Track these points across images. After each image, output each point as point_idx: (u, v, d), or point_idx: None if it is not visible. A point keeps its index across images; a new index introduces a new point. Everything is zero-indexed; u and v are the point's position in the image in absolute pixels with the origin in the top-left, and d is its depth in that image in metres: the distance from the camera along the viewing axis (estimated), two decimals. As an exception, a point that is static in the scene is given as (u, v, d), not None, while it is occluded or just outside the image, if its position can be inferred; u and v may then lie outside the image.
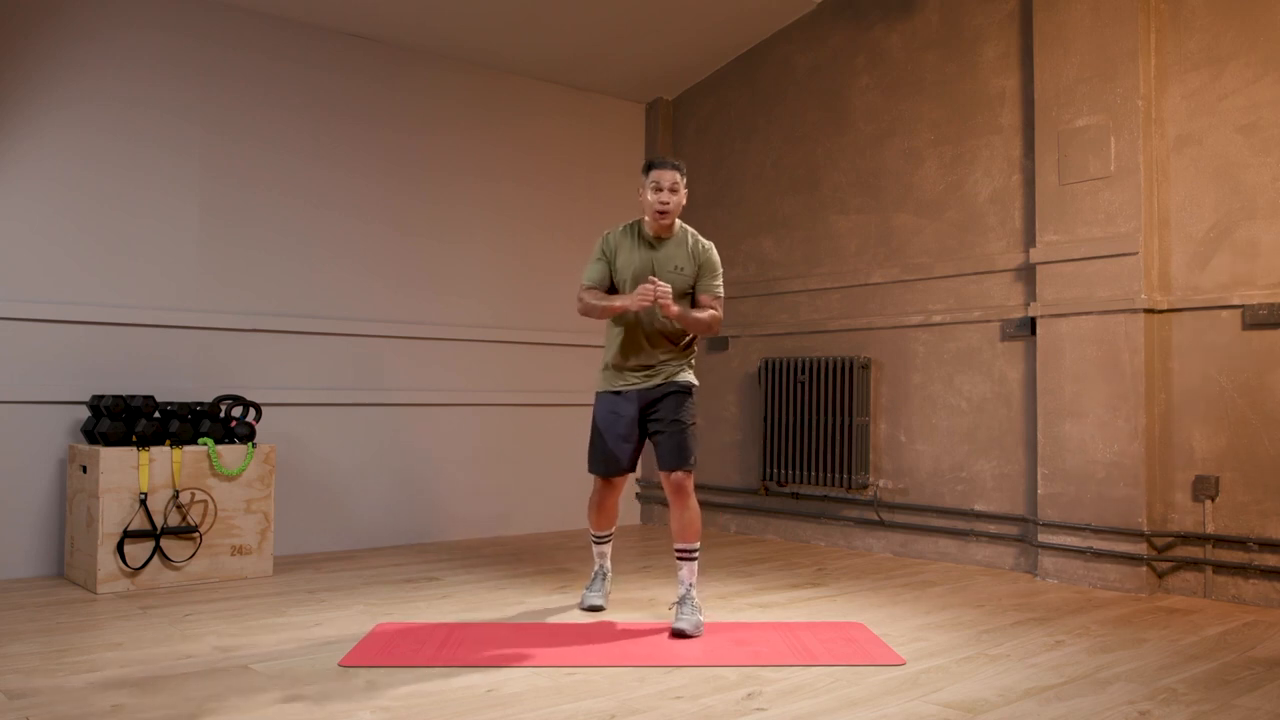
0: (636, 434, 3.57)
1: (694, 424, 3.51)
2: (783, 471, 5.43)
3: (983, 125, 4.81)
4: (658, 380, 3.51)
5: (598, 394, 3.65)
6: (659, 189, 3.43)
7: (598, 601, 3.69)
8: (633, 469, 3.65)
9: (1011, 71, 4.71)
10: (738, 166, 5.98)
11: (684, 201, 3.51)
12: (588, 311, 3.52)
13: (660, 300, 3.30)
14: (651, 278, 3.35)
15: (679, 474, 3.43)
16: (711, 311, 3.52)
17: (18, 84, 4.32)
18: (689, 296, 3.56)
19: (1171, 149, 4.21)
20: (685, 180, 3.51)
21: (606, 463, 3.61)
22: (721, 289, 3.58)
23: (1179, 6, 4.21)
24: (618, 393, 3.57)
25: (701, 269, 3.55)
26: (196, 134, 4.74)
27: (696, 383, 3.59)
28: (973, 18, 4.87)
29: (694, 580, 3.44)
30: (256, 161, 4.90)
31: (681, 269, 3.52)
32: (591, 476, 3.72)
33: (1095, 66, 4.34)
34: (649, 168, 3.48)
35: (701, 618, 3.37)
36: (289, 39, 5.03)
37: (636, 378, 3.54)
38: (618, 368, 3.57)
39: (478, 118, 5.69)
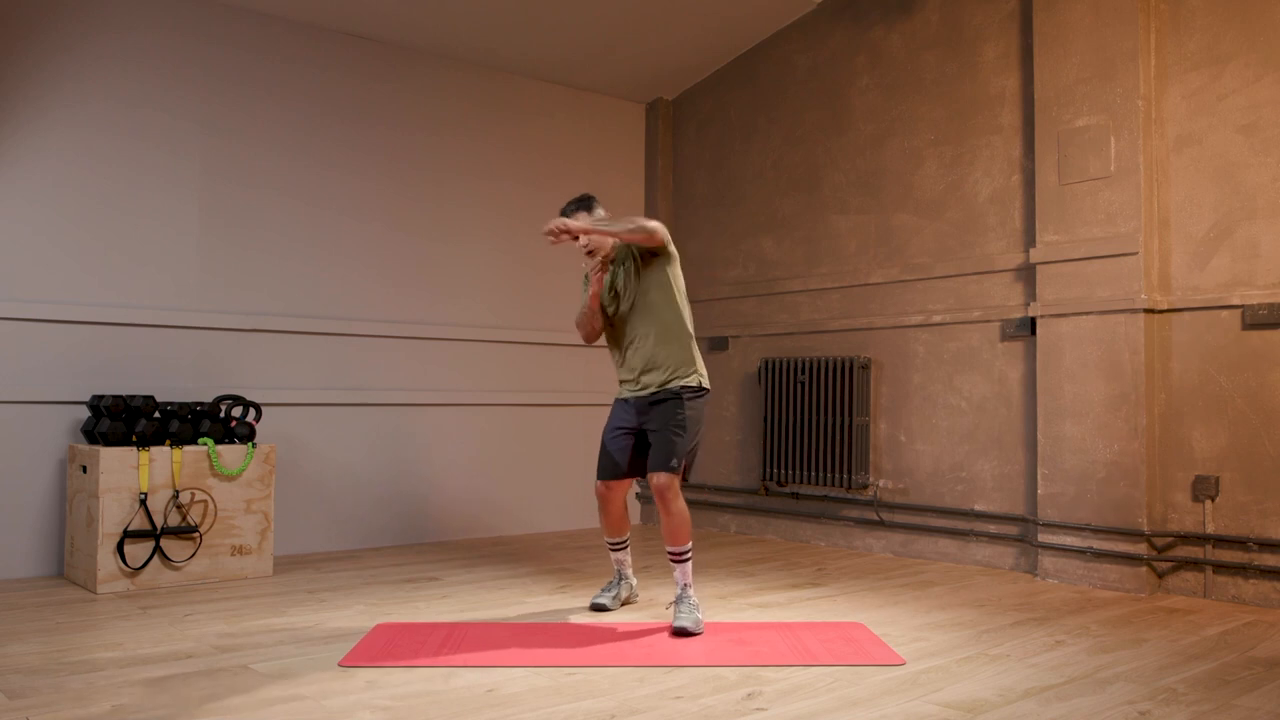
0: (634, 441, 3.58)
1: (684, 430, 3.45)
2: (783, 471, 5.43)
3: (983, 125, 4.81)
4: (653, 389, 3.53)
5: (614, 401, 3.72)
6: (575, 239, 3.54)
7: (603, 602, 3.68)
8: (631, 475, 3.62)
9: (1011, 71, 4.71)
10: (738, 166, 5.98)
11: (597, 225, 3.50)
12: (581, 324, 3.67)
13: (554, 230, 3.41)
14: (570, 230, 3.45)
15: (659, 476, 3.41)
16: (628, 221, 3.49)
17: (18, 84, 4.32)
18: (654, 276, 3.55)
19: (1171, 149, 4.21)
20: (593, 207, 3.59)
21: (604, 466, 3.64)
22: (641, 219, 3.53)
23: (1179, 6, 4.21)
24: (625, 400, 3.62)
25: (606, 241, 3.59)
26: (196, 134, 4.74)
27: (695, 385, 3.52)
28: (973, 18, 4.87)
29: (689, 580, 3.44)
30: (256, 161, 4.91)
31: (625, 264, 3.60)
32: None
33: (1095, 66, 4.34)
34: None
35: (700, 615, 3.37)
36: (289, 39, 5.03)
37: (638, 385, 3.57)
38: (622, 376, 3.65)
39: (478, 118, 5.70)
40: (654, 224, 3.46)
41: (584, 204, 3.60)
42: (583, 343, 3.79)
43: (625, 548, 3.77)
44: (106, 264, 4.49)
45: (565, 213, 3.60)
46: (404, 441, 5.32)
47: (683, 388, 3.51)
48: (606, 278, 3.63)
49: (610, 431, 3.63)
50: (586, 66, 5.88)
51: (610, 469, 3.62)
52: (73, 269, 4.41)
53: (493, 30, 5.37)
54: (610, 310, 3.64)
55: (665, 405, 3.50)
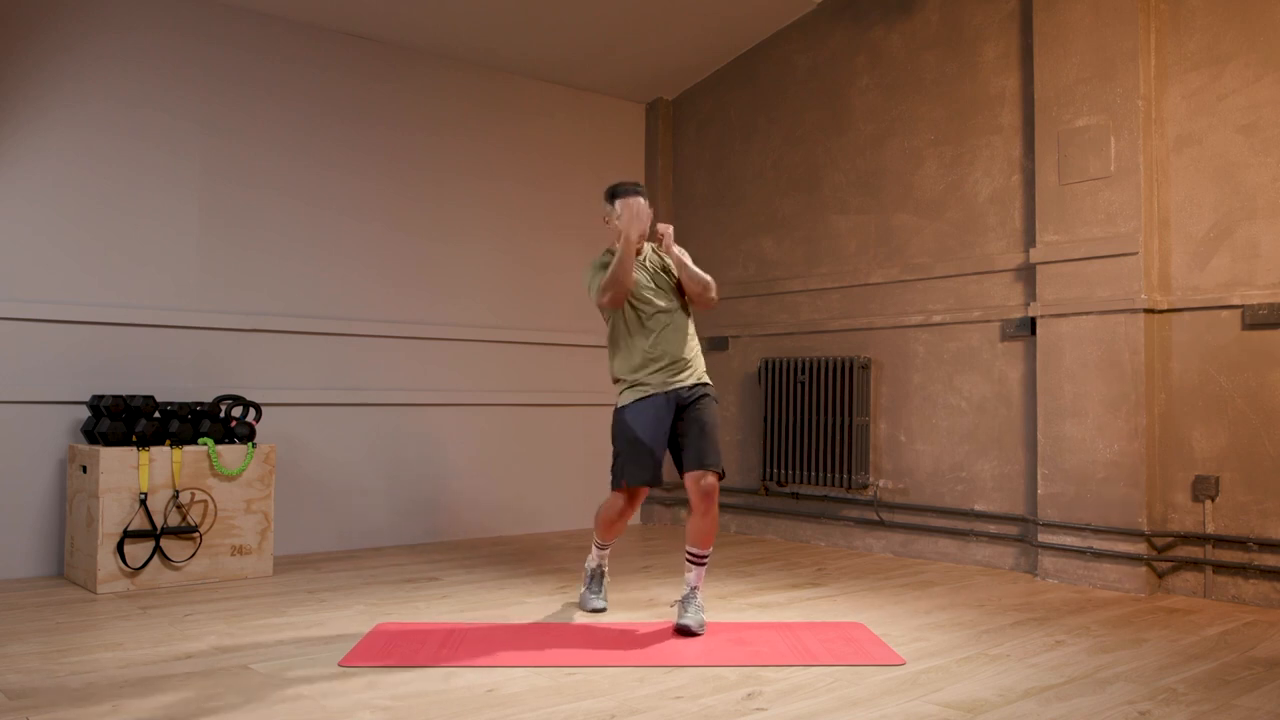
0: (668, 436, 3.46)
1: (718, 428, 3.47)
2: (783, 471, 5.43)
3: (983, 125, 4.81)
4: (693, 380, 3.49)
5: (627, 406, 3.48)
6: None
7: (600, 604, 3.67)
8: (660, 479, 3.53)
9: (1011, 71, 4.71)
10: (738, 166, 5.98)
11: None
12: (610, 284, 3.38)
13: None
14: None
15: (711, 478, 3.35)
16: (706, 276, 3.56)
17: (18, 84, 4.32)
18: (677, 291, 3.58)
19: (1171, 149, 4.21)
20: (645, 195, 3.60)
21: (641, 469, 3.43)
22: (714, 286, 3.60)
23: (1179, 6, 4.21)
24: (654, 395, 3.44)
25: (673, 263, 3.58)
26: (196, 134, 4.74)
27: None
28: (973, 18, 4.87)
29: (700, 584, 3.43)
30: (256, 161, 4.91)
31: (662, 269, 3.59)
32: (603, 488, 3.68)
33: (1095, 66, 4.34)
34: (614, 195, 3.50)
35: (704, 617, 3.38)
36: (289, 39, 5.03)
37: (667, 377, 3.45)
38: (649, 370, 3.45)
39: (478, 118, 5.70)
40: (716, 295, 3.56)
41: (644, 190, 3.59)
42: (592, 333, 3.74)
43: (611, 545, 3.81)
44: (106, 264, 4.49)
45: (635, 191, 3.49)
46: (404, 441, 5.32)
47: (712, 386, 3.55)
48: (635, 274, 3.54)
49: (653, 431, 3.41)
50: (586, 66, 5.88)
51: (650, 472, 3.42)
52: (73, 269, 4.41)
53: (493, 30, 5.37)
54: (636, 294, 3.49)
55: (707, 400, 3.48)
